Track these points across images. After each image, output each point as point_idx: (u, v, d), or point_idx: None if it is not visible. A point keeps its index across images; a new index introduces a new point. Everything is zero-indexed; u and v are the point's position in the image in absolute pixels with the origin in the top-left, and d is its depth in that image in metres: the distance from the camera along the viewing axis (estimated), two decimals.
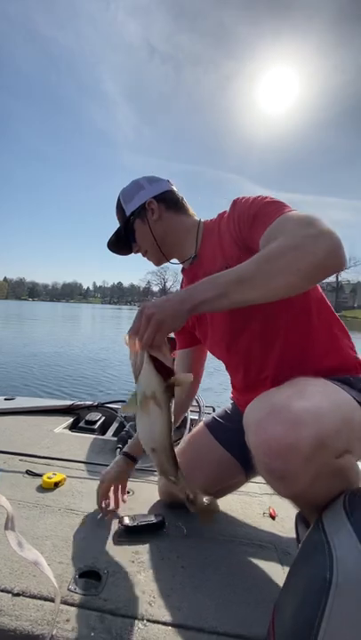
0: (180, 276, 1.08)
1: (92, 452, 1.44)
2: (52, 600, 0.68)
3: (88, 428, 1.73)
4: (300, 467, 0.50)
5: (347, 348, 0.84)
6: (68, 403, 2.01)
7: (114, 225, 1.06)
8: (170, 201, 0.98)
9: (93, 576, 0.76)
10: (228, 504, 1.12)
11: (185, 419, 1.59)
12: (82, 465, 1.30)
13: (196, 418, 1.71)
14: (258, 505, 1.13)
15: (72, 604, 0.69)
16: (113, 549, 0.86)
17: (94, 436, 1.61)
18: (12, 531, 0.72)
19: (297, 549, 0.55)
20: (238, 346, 0.90)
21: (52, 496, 1.09)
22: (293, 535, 0.96)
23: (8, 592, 0.70)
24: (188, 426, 1.59)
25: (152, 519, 0.96)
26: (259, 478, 1.22)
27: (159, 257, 1.01)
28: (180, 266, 1.04)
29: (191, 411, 1.66)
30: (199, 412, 1.75)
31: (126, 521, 0.93)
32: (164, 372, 0.65)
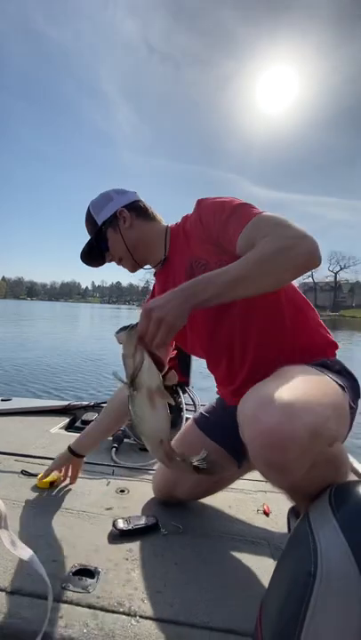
0: None
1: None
2: (45, 598, 0.69)
3: (84, 427, 1.73)
4: (297, 457, 0.51)
5: (317, 327, 0.92)
6: (65, 403, 2.01)
7: None
8: (139, 209, 1.03)
9: (87, 574, 0.77)
10: (223, 501, 1.13)
11: (181, 417, 1.60)
12: None
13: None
14: (252, 502, 1.14)
15: (65, 602, 0.70)
16: (107, 548, 0.87)
17: None
18: (5, 529, 0.72)
19: None
20: (219, 334, 0.94)
21: (47, 495, 1.10)
22: (287, 531, 0.97)
23: (2, 590, 0.71)
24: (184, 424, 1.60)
25: (146, 522, 0.96)
26: (253, 475, 1.24)
27: (133, 263, 1.05)
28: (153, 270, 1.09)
29: (187, 409, 1.67)
30: (195, 410, 1.76)
31: (120, 525, 0.93)
32: (160, 368, 0.69)
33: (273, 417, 0.52)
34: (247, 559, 0.86)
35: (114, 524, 0.93)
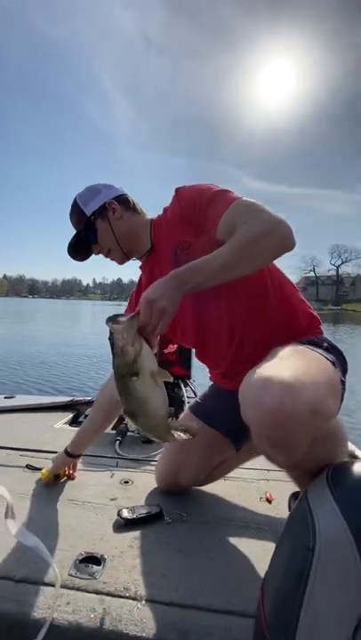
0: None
1: (91, 445, 1.46)
2: (52, 585, 0.70)
3: None
4: (300, 434, 0.52)
5: (300, 304, 0.97)
6: (68, 399, 2.03)
7: None
8: (127, 202, 1.05)
9: (93, 561, 0.79)
10: (226, 490, 1.14)
11: (183, 410, 1.61)
12: (81, 457, 1.32)
13: None
14: (255, 490, 1.15)
15: (72, 588, 0.71)
16: (112, 536, 0.89)
17: None
18: (12, 519, 0.74)
19: None
20: (206, 316, 0.98)
21: (53, 488, 1.11)
22: None
23: (10, 579, 0.73)
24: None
25: (150, 510, 0.97)
26: (255, 464, 1.25)
27: (121, 255, 1.06)
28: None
29: (189, 402, 1.68)
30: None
31: (125, 514, 0.95)
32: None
33: (275, 397, 0.53)
34: (250, 545, 0.88)
35: (119, 514, 0.95)
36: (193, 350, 1.28)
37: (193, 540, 0.89)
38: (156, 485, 1.14)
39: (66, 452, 1.15)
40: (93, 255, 1.09)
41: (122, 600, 0.69)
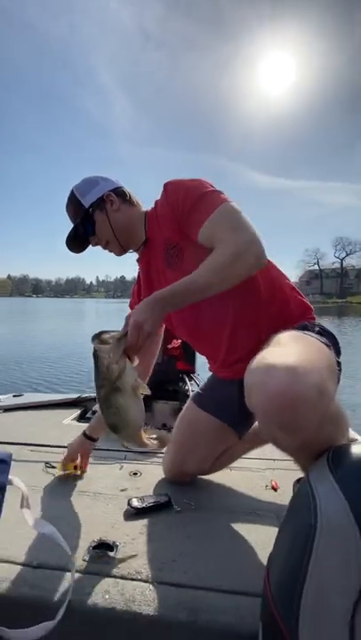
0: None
1: (99, 439, 1.50)
2: (68, 570, 0.74)
3: None
4: (308, 415, 0.53)
5: (292, 293, 1.00)
6: (75, 396, 2.07)
7: None
8: (124, 195, 1.07)
9: (106, 547, 0.82)
10: (232, 479, 1.17)
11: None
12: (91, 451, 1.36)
13: None
14: (260, 479, 1.18)
15: (87, 572, 0.74)
16: (123, 524, 0.92)
17: None
18: (28, 509, 0.77)
19: None
20: (199, 311, 1.01)
21: (64, 481, 1.15)
22: None
23: (28, 565, 0.76)
24: None
25: (159, 499, 1.01)
26: (261, 454, 1.28)
27: (119, 247, 1.08)
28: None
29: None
30: None
31: (135, 503, 0.98)
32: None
33: (281, 380, 0.54)
34: (257, 530, 0.91)
35: (129, 503, 0.98)
36: None
37: (201, 526, 0.92)
38: (163, 477, 1.17)
39: (84, 434, 1.19)
40: (96, 250, 1.12)
41: (134, 582, 0.72)
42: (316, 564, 0.43)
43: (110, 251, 1.09)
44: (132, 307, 1.23)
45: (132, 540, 0.86)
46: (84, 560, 0.78)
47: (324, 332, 0.89)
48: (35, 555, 0.79)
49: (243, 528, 0.92)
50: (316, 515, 0.44)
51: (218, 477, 1.18)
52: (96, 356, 0.78)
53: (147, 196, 1.11)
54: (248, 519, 0.95)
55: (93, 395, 2.10)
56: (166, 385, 2.10)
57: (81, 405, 2.01)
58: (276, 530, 0.89)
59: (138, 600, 0.68)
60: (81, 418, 1.89)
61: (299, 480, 0.94)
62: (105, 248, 1.09)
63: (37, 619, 0.65)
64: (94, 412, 1.84)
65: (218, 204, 0.88)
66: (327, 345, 0.79)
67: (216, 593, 0.70)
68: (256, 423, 1.14)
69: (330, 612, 0.42)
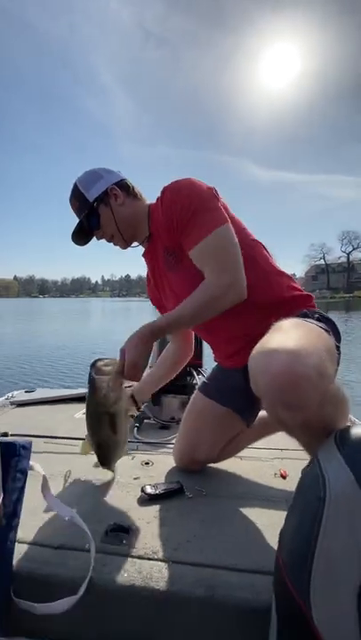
0: None
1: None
2: (87, 551, 0.77)
3: None
4: (311, 393, 0.56)
5: (290, 289, 1.05)
6: (85, 391, 2.11)
7: None
8: (127, 188, 1.08)
9: (122, 530, 0.85)
10: (242, 468, 1.20)
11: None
12: None
13: None
14: (269, 468, 1.21)
15: (105, 553, 0.78)
16: (138, 509, 0.96)
17: None
18: (49, 492, 0.81)
19: None
20: None
21: (79, 470, 1.19)
22: None
23: (49, 546, 0.80)
24: None
25: (172, 486, 1.04)
26: (270, 444, 1.31)
27: (123, 241, 1.10)
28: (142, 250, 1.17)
29: None
30: None
31: (148, 490, 1.02)
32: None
33: (283, 361, 0.57)
34: (268, 514, 0.94)
35: (142, 490, 1.02)
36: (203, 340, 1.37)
37: (213, 511, 0.95)
38: (174, 465, 1.20)
39: (131, 396, 1.28)
40: (101, 250, 1.15)
41: (151, 562, 0.76)
42: (326, 533, 0.46)
43: (115, 244, 1.12)
44: (149, 294, 1.29)
45: (147, 523, 0.89)
46: (101, 542, 0.81)
47: (323, 319, 0.93)
48: (55, 536, 0.82)
49: (254, 513, 0.94)
50: (325, 488, 0.47)
51: (227, 466, 1.21)
52: (92, 382, 0.94)
53: (148, 196, 1.05)
54: (259, 504, 0.98)
55: None
56: (175, 379, 2.13)
57: None
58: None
59: (155, 577, 0.71)
60: None
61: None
62: (109, 241, 1.11)
63: (60, 595, 0.69)
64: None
65: (210, 229, 0.93)
66: (326, 330, 0.81)
67: (232, 571, 0.73)
68: (262, 412, 1.17)
69: (339, 576, 0.45)
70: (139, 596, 0.69)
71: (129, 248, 1.15)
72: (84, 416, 1.80)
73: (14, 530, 0.74)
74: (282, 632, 0.53)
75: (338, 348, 0.86)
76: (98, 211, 1.05)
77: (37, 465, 0.81)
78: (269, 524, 0.89)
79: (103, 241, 1.13)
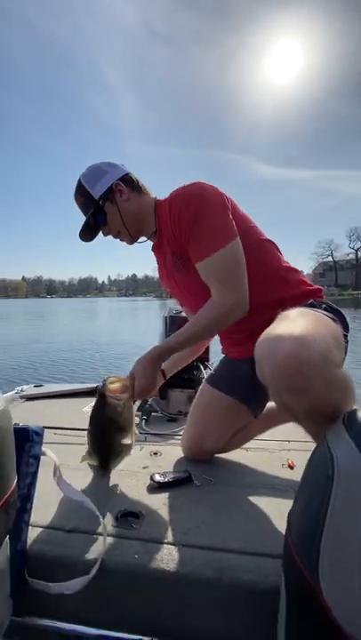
0: None
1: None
2: (99, 534, 0.79)
3: None
4: (315, 378, 0.57)
5: (298, 285, 1.06)
6: (93, 385, 2.13)
7: None
8: (132, 182, 1.07)
9: (133, 516, 0.87)
10: (249, 459, 1.21)
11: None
12: None
13: None
14: (277, 458, 1.21)
15: (116, 536, 0.80)
16: (147, 497, 0.97)
17: None
18: (61, 478, 0.82)
19: None
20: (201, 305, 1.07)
21: (88, 460, 1.20)
22: None
23: (61, 529, 0.82)
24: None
25: (180, 475, 1.06)
26: (277, 435, 1.31)
27: (130, 237, 1.11)
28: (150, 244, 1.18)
29: None
30: None
31: (157, 477, 1.03)
32: None
33: (288, 347, 0.58)
34: (275, 502, 0.94)
35: (152, 478, 1.03)
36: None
37: (222, 499, 0.96)
38: (182, 456, 1.22)
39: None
40: (107, 250, 1.18)
41: (162, 545, 0.77)
42: (334, 513, 0.47)
43: (121, 240, 1.12)
44: (163, 283, 1.31)
45: (157, 509, 0.91)
46: (113, 526, 0.83)
47: (330, 309, 0.93)
48: (67, 520, 0.84)
49: (262, 500, 0.95)
50: (333, 467, 0.48)
51: (235, 457, 1.22)
52: (102, 398, 1.01)
53: (155, 194, 1.12)
54: (267, 493, 0.99)
55: None
56: (182, 373, 2.15)
57: None
58: None
59: (165, 559, 0.73)
60: None
61: None
62: (116, 237, 1.12)
63: (72, 577, 0.71)
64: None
65: (215, 247, 0.95)
66: (333, 319, 0.82)
67: (240, 555, 0.74)
68: (270, 403, 1.17)
69: (348, 552, 0.45)
70: (149, 577, 0.71)
71: (135, 243, 1.16)
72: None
73: (28, 513, 0.76)
74: (291, 608, 0.54)
75: (345, 336, 0.86)
76: (104, 208, 1.05)
77: (49, 451, 0.82)
78: (278, 511, 0.90)
79: (110, 239, 1.13)
